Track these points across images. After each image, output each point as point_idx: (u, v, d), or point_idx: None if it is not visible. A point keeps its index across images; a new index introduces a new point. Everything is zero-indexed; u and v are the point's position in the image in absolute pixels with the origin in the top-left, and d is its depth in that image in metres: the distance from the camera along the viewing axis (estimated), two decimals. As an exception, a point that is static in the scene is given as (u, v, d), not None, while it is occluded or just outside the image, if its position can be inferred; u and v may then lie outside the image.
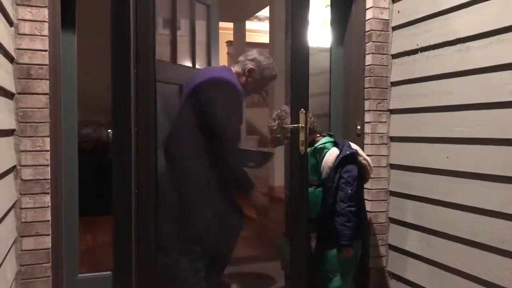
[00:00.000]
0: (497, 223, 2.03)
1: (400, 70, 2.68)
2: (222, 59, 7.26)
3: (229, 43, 7.97)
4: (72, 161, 2.46)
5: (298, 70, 2.64)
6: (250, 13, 6.86)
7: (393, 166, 2.73)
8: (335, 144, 2.43)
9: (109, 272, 2.54)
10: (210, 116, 2.55)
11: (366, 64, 2.74)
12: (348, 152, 2.33)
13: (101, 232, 3.56)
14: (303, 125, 2.33)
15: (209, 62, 3.27)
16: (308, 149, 2.24)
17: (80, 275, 2.50)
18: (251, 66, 2.65)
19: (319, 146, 2.41)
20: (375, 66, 2.72)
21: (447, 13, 2.33)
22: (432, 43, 2.42)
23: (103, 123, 5.02)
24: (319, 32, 4.46)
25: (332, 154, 2.35)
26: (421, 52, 2.50)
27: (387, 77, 2.72)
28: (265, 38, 6.13)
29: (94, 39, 3.13)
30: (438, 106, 2.39)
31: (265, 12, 6.30)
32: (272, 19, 5.76)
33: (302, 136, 2.48)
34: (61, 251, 2.32)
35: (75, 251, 2.49)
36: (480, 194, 2.13)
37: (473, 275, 2.15)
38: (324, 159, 2.36)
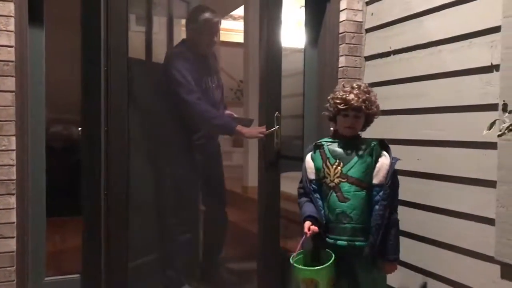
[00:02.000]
0: (469, 225, 2.06)
1: (373, 72, 2.69)
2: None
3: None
4: (39, 161, 2.38)
5: (272, 73, 2.66)
6: (225, 12, 6.82)
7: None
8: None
9: (77, 275, 2.47)
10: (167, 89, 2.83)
11: (339, 66, 2.74)
12: (397, 159, 2.05)
13: (71, 234, 3.46)
14: (278, 127, 2.53)
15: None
16: (363, 145, 2.03)
17: (46, 278, 2.42)
18: (188, 19, 2.92)
19: (374, 144, 2.04)
20: (348, 68, 2.73)
21: (419, 17, 2.35)
22: (404, 46, 2.44)
23: (73, 121, 4.91)
24: (294, 32, 4.47)
25: (388, 157, 2.04)
26: (393, 54, 2.52)
27: (360, 79, 2.73)
28: (239, 38, 6.10)
29: (63, 35, 3.05)
30: (410, 108, 2.41)
31: (240, 11, 6.27)
32: (246, 18, 5.73)
33: (276, 138, 2.53)
34: (27, 254, 2.24)
35: (41, 254, 2.41)
36: (451, 196, 2.16)
37: (446, 277, 2.18)
38: (381, 160, 2.02)
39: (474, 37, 2.05)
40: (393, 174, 2.00)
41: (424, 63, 2.32)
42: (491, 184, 1.93)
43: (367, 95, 2.02)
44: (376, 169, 2.00)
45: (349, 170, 1.99)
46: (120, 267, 2.41)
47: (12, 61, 2.08)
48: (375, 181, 1.99)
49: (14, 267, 2.11)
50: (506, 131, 1.71)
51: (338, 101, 2.02)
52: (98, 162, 2.41)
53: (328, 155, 2.05)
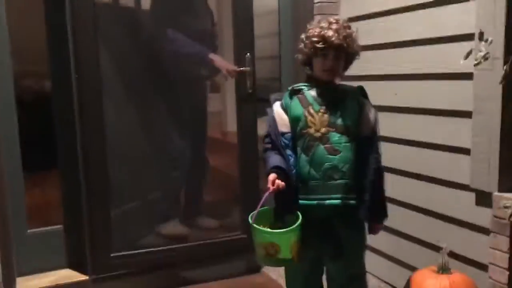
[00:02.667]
0: (446, 156, 2.10)
1: (350, 6, 2.64)
2: None
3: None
4: (9, 115, 2.33)
5: (242, 11, 2.60)
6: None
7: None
8: None
9: (60, 226, 2.49)
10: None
11: (315, 1, 2.69)
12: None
13: (50, 187, 3.45)
14: (250, 68, 2.39)
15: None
16: (346, 91, 1.81)
17: (29, 230, 2.43)
18: None
19: (357, 91, 1.84)
20: (324, 3, 2.67)
21: None
22: (380, -22, 2.38)
23: (44, 73, 4.77)
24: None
25: (371, 105, 1.83)
26: (369, -13, 2.46)
27: (337, 14, 2.68)
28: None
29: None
30: (386, 43, 2.38)
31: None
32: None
33: (249, 79, 2.50)
34: (6, 208, 2.23)
35: (22, 207, 2.40)
36: (428, 129, 2.18)
37: (423, 207, 2.24)
38: (366, 109, 1.79)
39: (450, -35, 2.00)
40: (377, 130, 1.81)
41: (399, -5, 2.27)
42: (467, 114, 1.95)
43: (348, 31, 1.74)
44: (365, 118, 1.78)
45: (337, 118, 1.75)
46: (102, 216, 2.43)
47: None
48: (364, 131, 1.77)
49: (-5, 221, 2.11)
50: (482, 59, 1.70)
51: (315, 39, 1.72)
52: (71, 112, 2.36)
53: (311, 101, 1.77)
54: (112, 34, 2.65)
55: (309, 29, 1.79)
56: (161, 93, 2.87)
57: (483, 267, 1.93)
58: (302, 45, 1.80)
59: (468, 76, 1.92)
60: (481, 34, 1.76)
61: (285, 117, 1.80)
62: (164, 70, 2.86)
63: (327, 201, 1.74)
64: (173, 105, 2.90)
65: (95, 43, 2.30)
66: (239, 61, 2.59)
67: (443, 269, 1.93)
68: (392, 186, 2.09)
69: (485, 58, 1.70)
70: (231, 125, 5.03)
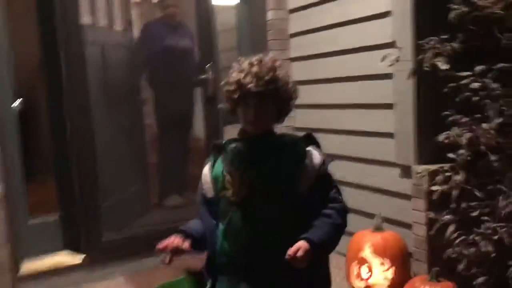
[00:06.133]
0: (376, 141, 2.61)
1: (296, 23, 3.14)
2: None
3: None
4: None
5: (203, 27, 3.09)
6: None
7: (296, 107, 3.22)
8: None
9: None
10: None
11: (267, 19, 3.17)
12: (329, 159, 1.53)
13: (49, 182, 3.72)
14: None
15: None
16: (282, 141, 1.50)
17: (31, 221, 2.79)
18: None
19: (298, 140, 1.52)
20: (275, 21, 3.16)
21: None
22: (320, -1, 2.90)
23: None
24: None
25: (315, 154, 1.47)
26: (312, 7, 2.97)
27: (285, 29, 3.18)
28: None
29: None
30: (328, 52, 2.88)
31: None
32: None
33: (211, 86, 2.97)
34: (13, 202, 2.59)
35: (24, 201, 2.76)
36: (359, 120, 2.71)
37: (359, 183, 2.73)
38: (312, 157, 1.45)
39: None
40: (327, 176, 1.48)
41: (334, 13, 2.78)
42: (389, 106, 2.46)
43: (273, 73, 1.39)
44: (305, 171, 1.42)
45: (265, 177, 1.41)
46: (93, 207, 2.82)
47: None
48: (306, 188, 1.42)
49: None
50: (395, 61, 2.22)
51: (231, 88, 1.41)
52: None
53: (233, 157, 1.45)
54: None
55: (230, 72, 1.46)
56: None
57: (408, 226, 2.42)
58: (222, 95, 1.48)
59: (389, 76, 2.44)
60: (394, 42, 2.29)
61: (208, 179, 1.50)
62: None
63: None
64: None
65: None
66: (201, 69, 3.09)
67: (377, 229, 2.42)
68: (333, 169, 2.57)
69: (397, 60, 2.22)
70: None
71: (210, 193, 1.49)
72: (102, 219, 2.83)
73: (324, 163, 1.46)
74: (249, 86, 1.37)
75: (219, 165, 1.48)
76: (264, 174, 1.41)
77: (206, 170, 1.51)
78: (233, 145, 1.48)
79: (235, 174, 1.42)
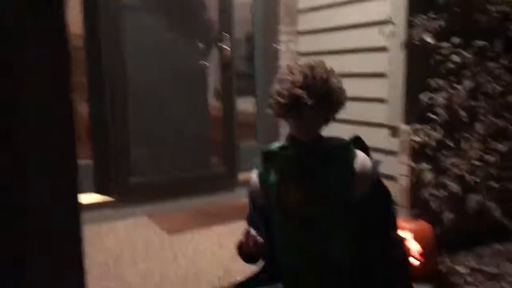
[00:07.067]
0: (371, 105, 3.01)
1: (304, 0, 3.52)
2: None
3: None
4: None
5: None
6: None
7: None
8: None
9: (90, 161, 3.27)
10: None
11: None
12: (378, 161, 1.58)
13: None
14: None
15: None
16: (333, 148, 1.51)
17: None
18: None
19: (348, 145, 1.52)
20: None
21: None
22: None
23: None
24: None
25: (366, 159, 1.50)
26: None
27: (295, 5, 3.55)
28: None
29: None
30: (332, 27, 3.27)
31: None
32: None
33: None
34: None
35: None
36: (351, 87, 3.10)
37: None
38: (362, 164, 1.47)
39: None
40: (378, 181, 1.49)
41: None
42: (384, 75, 2.87)
43: (327, 85, 1.40)
44: (357, 179, 1.44)
45: (319, 187, 1.42)
46: (124, 152, 3.23)
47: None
48: (360, 195, 1.43)
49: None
50: (391, 36, 2.62)
51: (283, 100, 1.38)
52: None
53: (284, 166, 1.47)
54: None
55: (280, 79, 1.44)
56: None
57: (395, 179, 2.84)
58: (272, 101, 1.45)
59: (385, 49, 2.83)
60: (390, 18, 2.69)
61: (259, 187, 1.52)
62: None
63: None
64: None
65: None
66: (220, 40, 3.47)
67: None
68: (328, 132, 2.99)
69: (393, 35, 2.62)
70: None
71: (261, 200, 1.51)
72: (131, 165, 3.23)
73: (375, 168, 1.48)
74: (304, 100, 1.36)
75: (271, 175, 1.48)
76: (318, 184, 1.42)
77: (255, 177, 1.53)
78: (283, 153, 1.48)
79: (290, 185, 1.43)
